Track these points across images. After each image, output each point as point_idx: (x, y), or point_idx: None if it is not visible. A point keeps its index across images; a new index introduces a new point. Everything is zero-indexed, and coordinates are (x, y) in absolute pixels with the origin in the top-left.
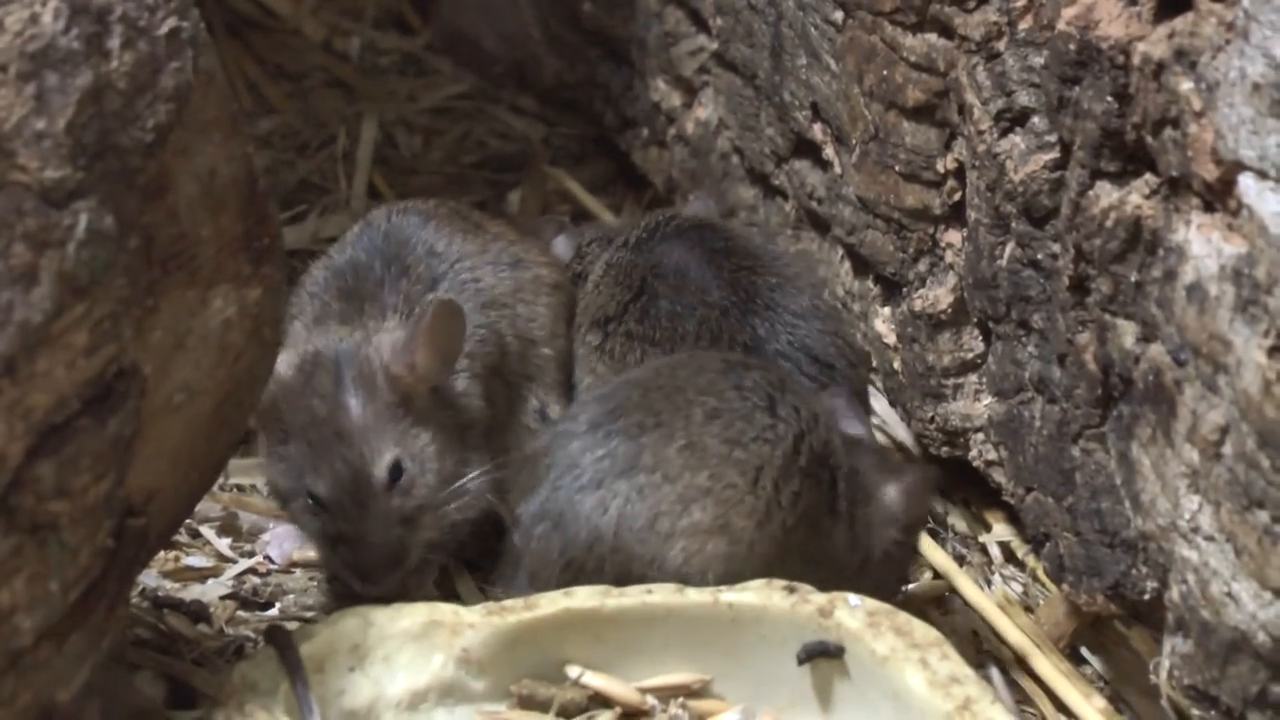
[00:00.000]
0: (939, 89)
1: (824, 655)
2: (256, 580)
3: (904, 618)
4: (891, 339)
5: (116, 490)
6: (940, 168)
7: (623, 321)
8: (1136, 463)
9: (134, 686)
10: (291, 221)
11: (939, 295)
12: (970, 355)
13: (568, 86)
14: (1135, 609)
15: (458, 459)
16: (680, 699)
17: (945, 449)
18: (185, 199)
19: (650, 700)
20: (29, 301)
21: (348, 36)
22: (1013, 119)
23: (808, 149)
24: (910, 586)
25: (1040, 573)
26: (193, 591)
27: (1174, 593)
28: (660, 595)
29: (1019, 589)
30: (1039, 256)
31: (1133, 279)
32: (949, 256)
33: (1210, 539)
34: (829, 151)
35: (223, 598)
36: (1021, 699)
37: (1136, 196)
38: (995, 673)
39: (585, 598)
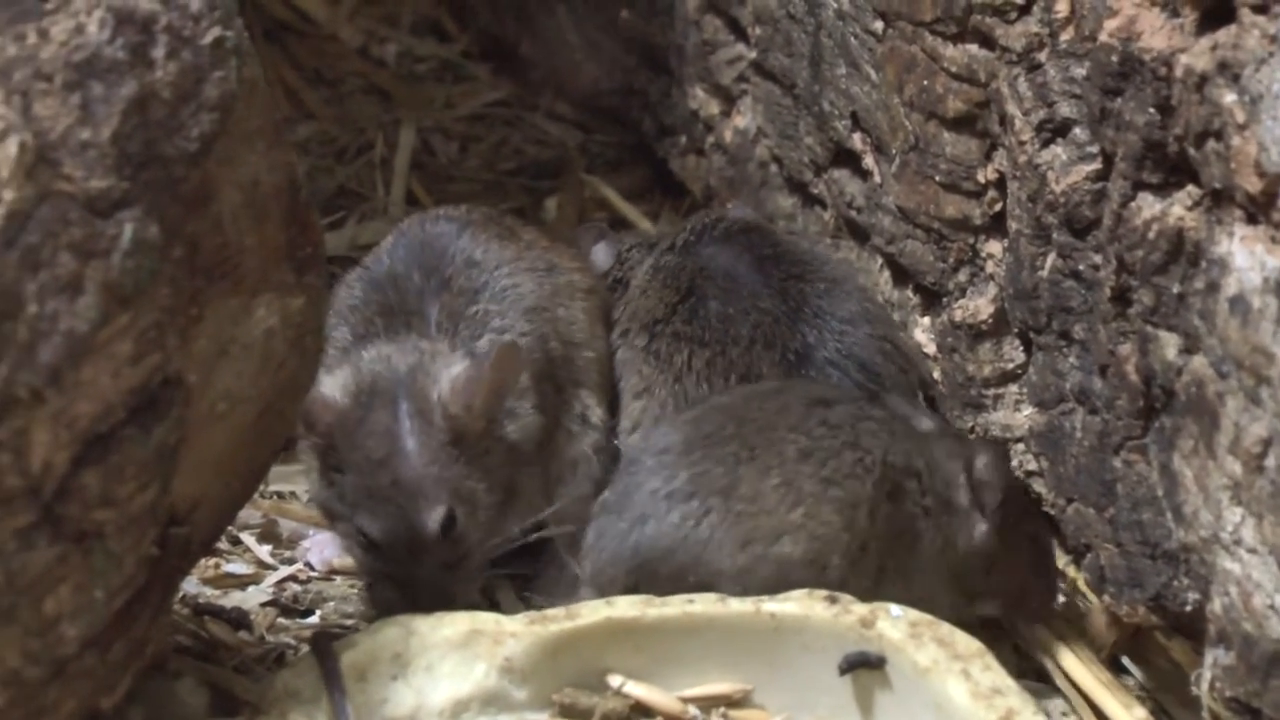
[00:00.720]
0: (980, 99)
1: (865, 666)
2: (297, 587)
3: (946, 628)
4: (931, 349)
5: (161, 499)
6: (981, 178)
7: (670, 323)
8: (1178, 474)
9: (176, 694)
10: (330, 228)
11: (979, 305)
12: (1011, 366)
13: (605, 94)
14: (1177, 620)
15: (509, 490)
16: (721, 708)
17: None
18: (229, 208)
19: (691, 710)
20: (74, 311)
21: (385, 43)
22: (1054, 130)
23: (847, 158)
24: None
25: (1081, 584)
26: (233, 598)
27: (1216, 605)
28: (702, 605)
29: (1060, 600)
30: (1080, 267)
31: (1175, 291)
32: (989, 267)
33: (1253, 551)
34: (868, 161)
35: (263, 605)
36: (1063, 710)
37: (1179, 208)
38: (1037, 685)
39: (627, 607)
